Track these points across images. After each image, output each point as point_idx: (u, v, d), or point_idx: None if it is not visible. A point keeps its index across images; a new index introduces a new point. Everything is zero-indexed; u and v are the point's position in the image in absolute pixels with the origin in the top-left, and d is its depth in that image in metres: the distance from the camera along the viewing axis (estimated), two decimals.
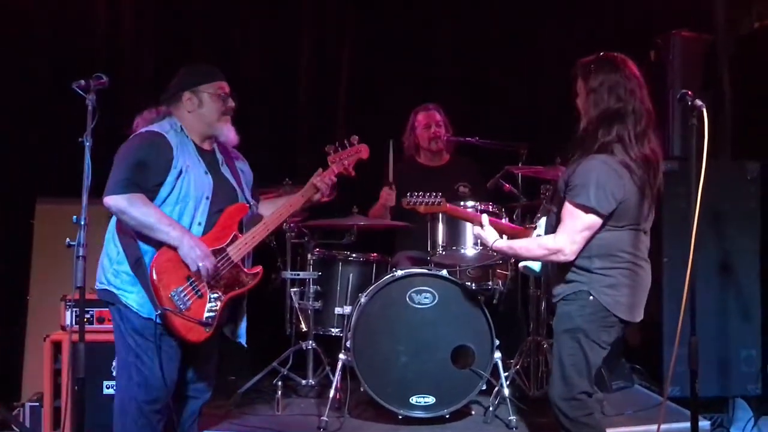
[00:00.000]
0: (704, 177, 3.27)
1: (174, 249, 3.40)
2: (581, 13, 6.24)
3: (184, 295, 3.42)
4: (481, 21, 6.42)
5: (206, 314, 3.48)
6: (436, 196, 3.99)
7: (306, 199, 3.77)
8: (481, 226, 3.70)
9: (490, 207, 4.77)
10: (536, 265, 3.68)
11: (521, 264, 3.76)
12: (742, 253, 5.23)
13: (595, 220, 3.33)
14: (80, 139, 3.14)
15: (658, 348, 5.46)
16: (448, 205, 4.11)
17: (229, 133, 3.63)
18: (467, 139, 5.51)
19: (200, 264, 3.41)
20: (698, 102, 3.21)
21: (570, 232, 3.34)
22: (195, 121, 3.57)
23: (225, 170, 3.65)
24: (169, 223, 3.40)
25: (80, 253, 3.09)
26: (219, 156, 3.66)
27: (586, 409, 3.43)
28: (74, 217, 3.12)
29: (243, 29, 6.29)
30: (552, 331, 5.16)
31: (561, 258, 3.37)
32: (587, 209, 3.31)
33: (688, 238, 5.08)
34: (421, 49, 6.46)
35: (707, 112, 3.20)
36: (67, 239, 3.10)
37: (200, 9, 6.16)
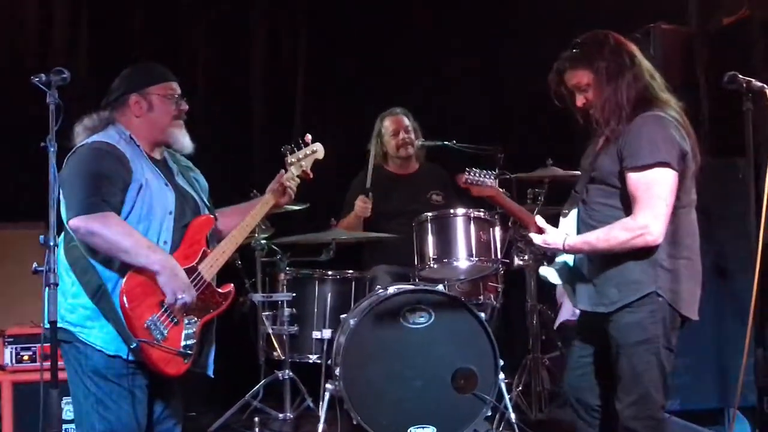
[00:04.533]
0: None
1: (143, 272, 3.04)
2: (554, 10, 5.99)
3: (161, 323, 3.06)
4: (448, 17, 6.17)
5: (183, 342, 3.13)
6: (487, 176, 3.47)
7: (273, 204, 3.47)
8: (540, 230, 3.27)
9: (482, 214, 4.53)
10: (554, 276, 3.32)
11: (542, 271, 3.35)
12: (736, 256, 4.97)
13: (673, 178, 2.96)
14: (42, 144, 2.69)
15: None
16: (496, 191, 3.51)
17: (183, 139, 3.30)
18: (444, 143, 5.16)
19: (179, 296, 3.06)
20: (757, 83, 2.88)
21: (651, 205, 2.95)
22: (144, 127, 3.22)
23: (181, 180, 3.33)
24: (148, 246, 3.05)
25: (51, 281, 2.59)
26: (172, 165, 3.34)
27: (662, 429, 3.11)
28: (41, 237, 2.66)
29: (191, 22, 5.95)
30: (546, 346, 5.01)
31: (648, 240, 2.96)
32: (661, 165, 2.94)
33: (706, 243, 4.91)
34: (384, 45, 6.16)
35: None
36: (35, 264, 2.65)
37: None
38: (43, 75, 2.73)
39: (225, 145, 5.79)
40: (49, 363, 3.54)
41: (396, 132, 5.34)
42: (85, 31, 5.65)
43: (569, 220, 3.29)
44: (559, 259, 3.30)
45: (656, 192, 2.95)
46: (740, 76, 2.94)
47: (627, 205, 3.04)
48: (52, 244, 2.62)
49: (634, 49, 3.14)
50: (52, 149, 2.68)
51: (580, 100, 3.16)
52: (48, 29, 5.57)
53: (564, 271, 3.30)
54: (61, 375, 3.09)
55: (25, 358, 4.30)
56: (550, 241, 3.21)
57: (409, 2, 6.18)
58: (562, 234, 3.21)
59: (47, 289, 2.60)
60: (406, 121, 5.36)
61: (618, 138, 3.03)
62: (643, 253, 3.01)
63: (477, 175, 3.45)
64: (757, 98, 2.90)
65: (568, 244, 3.17)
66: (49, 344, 3.82)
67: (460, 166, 5.23)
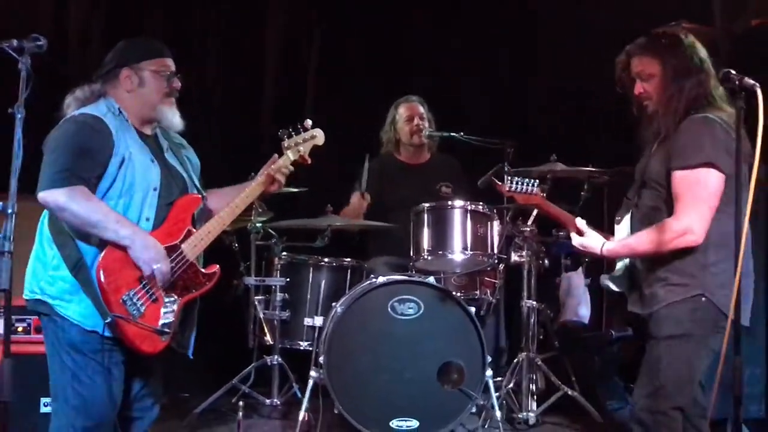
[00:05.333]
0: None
1: (122, 247, 3.03)
2: (573, 8, 5.90)
3: (138, 300, 3.05)
4: (461, 10, 6.10)
5: (162, 320, 3.11)
6: (532, 185, 3.40)
7: (263, 190, 3.42)
8: (579, 232, 3.23)
9: (481, 207, 4.48)
10: (614, 284, 3.25)
11: (603, 281, 3.28)
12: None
13: (718, 180, 2.92)
14: (10, 110, 2.67)
15: None
16: (542, 198, 3.54)
17: (173, 117, 3.27)
18: (451, 134, 5.09)
19: (155, 267, 3.04)
20: (749, 81, 2.76)
21: (693, 205, 2.92)
22: (134, 102, 3.20)
23: (171, 157, 3.30)
24: (117, 220, 3.03)
25: (5, 248, 2.57)
26: (163, 142, 3.31)
27: (673, 429, 3.02)
28: (0, 204, 2.63)
29: (204, 15, 6.01)
30: (543, 346, 4.92)
31: (689, 240, 2.93)
32: (706, 165, 2.91)
33: None
34: (395, 37, 6.17)
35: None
36: None
37: None
38: (15, 41, 2.68)
39: (233, 136, 5.81)
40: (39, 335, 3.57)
41: (410, 118, 5.29)
42: (101, 26, 5.71)
43: (623, 227, 3.26)
44: (620, 265, 3.25)
45: (699, 192, 2.93)
46: (733, 73, 2.83)
47: (672, 206, 3.00)
48: (10, 211, 2.59)
49: (705, 53, 3.12)
50: (19, 116, 2.65)
51: (638, 88, 3.13)
52: (64, 27, 5.63)
53: (624, 278, 3.25)
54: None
55: (20, 329, 4.27)
56: (588, 244, 3.18)
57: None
58: (601, 239, 3.17)
59: (2, 256, 2.57)
60: (421, 109, 5.32)
61: (668, 139, 3.00)
62: (691, 256, 2.97)
63: (519, 183, 3.41)
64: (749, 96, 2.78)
65: (607, 249, 3.13)
66: (36, 317, 3.86)
67: (468, 158, 5.25)
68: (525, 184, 3.45)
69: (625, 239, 3.15)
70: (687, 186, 2.94)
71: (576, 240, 3.22)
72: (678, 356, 3.00)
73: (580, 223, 3.24)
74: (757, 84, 2.76)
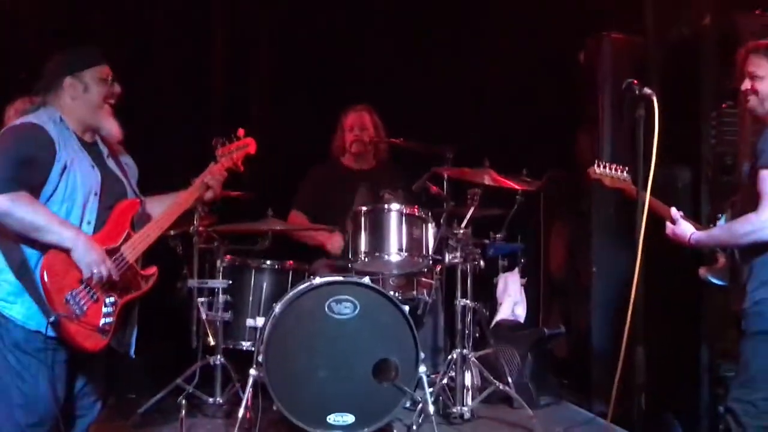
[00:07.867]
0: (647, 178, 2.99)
1: (65, 250, 3.10)
2: (508, 15, 6.06)
3: (80, 299, 3.13)
4: (405, 20, 6.23)
5: (102, 320, 3.20)
6: (624, 171, 3.54)
7: (198, 196, 3.53)
8: (672, 221, 3.39)
9: (416, 211, 4.58)
10: (716, 277, 3.44)
11: (702, 273, 3.47)
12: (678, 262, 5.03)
13: None
14: None
15: (586, 361, 5.26)
16: (630, 186, 3.61)
17: (111, 127, 3.37)
18: (391, 140, 5.23)
19: (95, 270, 3.12)
20: (647, 90, 2.96)
21: None
22: (78, 109, 3.29)
23: (111, 163, 3.40)
24: (60, 223, 3.11)
25: None
26: (102, 148, 3.40)
27: (762, 419, 3.17)
28: None
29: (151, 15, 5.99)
30: (479, 343, 5.07)
31: (766, 235, 3.09)
32: None
33: (618, 248, 4.93)
34: (343, 45, 6.27)
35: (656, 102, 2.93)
36: None
37: None
38: None
39: (179, 144, 5.84)
40: None
41: (351, 127, 5.39)
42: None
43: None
44: (723, 259, 3.41)
45: None
46: (635, 83, 3.02)
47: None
48: None
49: None
50: None
51: (746, 85, 3.26)
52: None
53: (726, 271, 3.39)
54: None
55: None
56: (678, 232, 3.35)
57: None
58: (691, 228, 3.32)
59: None
60: (365, 118, 5.40)
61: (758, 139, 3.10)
62: None
63: (608, 168, 3.54)
64: (648, 105, 2.96)
65: (694, 238, 3.30)
66: None
67: (420, 165, 5.36)
68: (613, 169, 3.59)
69: (711, 231, 3.32)
70: None
71: (669, 228, 3.38)
72: (766, 351, 3.14)
73: (674, 212, 3.38)
74: (654, 93, 2.96)
